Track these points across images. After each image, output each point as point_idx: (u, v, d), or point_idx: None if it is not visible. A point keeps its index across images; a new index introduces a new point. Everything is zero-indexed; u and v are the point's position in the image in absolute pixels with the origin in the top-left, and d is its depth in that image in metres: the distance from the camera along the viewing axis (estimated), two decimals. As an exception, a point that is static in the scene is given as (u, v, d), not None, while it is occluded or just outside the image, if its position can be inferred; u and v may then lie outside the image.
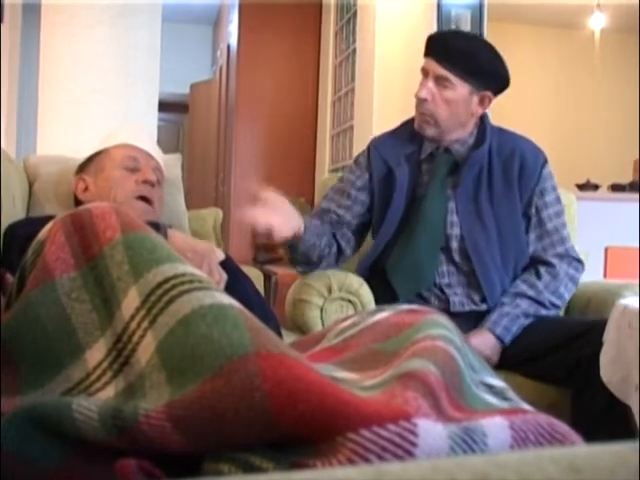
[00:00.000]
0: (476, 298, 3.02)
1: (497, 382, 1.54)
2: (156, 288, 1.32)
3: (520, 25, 10.54)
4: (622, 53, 10.71)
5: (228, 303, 1.25)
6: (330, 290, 2.94)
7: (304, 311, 2.94)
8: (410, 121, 3.19)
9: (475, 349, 2.70)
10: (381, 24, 6.67)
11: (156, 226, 2.22)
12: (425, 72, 3.06)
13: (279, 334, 2.31)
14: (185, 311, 1.24)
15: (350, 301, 2.94)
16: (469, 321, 2.97)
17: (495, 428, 1.16)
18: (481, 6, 5.77)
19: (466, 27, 5.70)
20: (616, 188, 5.79)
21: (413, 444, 1.03)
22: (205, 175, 10.49)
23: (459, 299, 3.02)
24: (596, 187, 5.90)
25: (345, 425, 1.04)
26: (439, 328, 1.49)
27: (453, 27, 5.67)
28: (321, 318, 2.91)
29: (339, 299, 2.94)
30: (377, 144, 3.20)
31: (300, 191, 7.93)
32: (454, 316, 2.73)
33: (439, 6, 5.71)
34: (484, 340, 2.91)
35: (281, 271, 6.50)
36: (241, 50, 8.84)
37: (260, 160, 8.76)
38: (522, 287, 3.03)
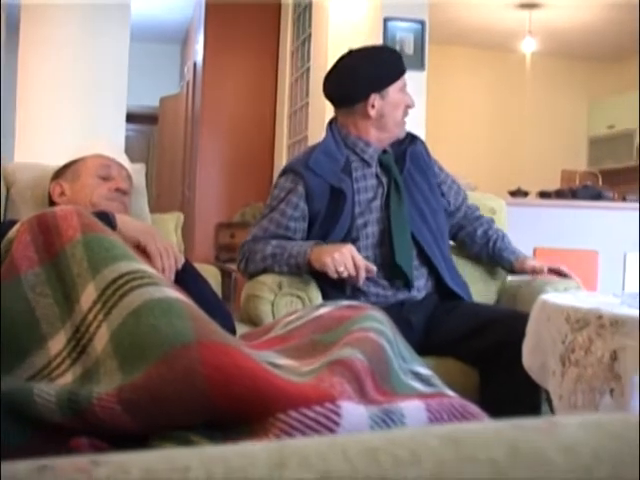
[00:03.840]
0: (432, 281, 3.07)
1: (424, 370, 1.55)
2: (111, 283, 1.33)
3: (459, 47, 10.60)
4: (550, 74, 10.81)
5: (175, 297, 1.26)
6: (280, 286, 2.94)
7: (257, 305, 2.93)
8: (333, 135, 3.09)
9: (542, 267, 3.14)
10: (333, 45, 6.69)
11: (106, 215, 2.24)
12: (404, 85, 3.07)
13: (233, 328, 2.31)
14: (136, 304, 1.25)
15: (299, 297, 2.94)
16: (430, 304, 3.01)
17: (413, 410, 1.18)
18: (423, 30, 5.79)
19: (409, 49, 5.72)
20: (544, 195, 5.84)
21: (336, 423, 1.04)
22: (173, 181, 10.47)
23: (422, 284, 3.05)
24: (526, 194, 5.94)
25: (275, 406, 1.05)
26: (373, 322, 1.51)
27: (397, 48, 5.68)
28: (272, 312, 2.90)
29: (289, 295, 2.94)
30: (308, 166, 3.01)
31: (259, 196, 7.92)
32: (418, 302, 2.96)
33: (385, 30, 5.73)
34: (526, 259, 3.28)
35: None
36: (206, 67, 8.84)
37: (223, 167, 8.77)
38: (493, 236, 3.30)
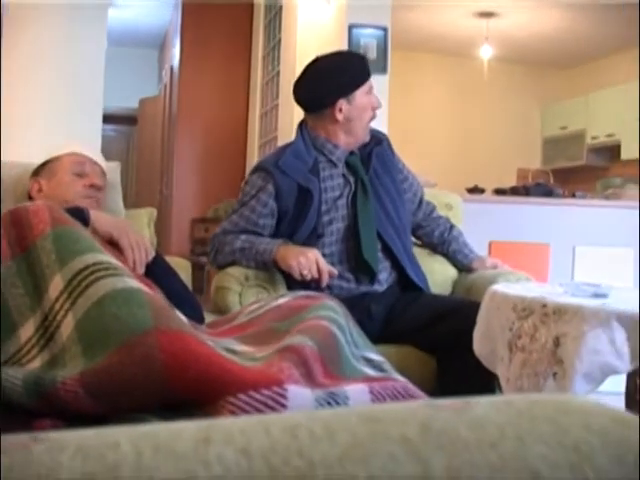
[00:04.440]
0: (394, 274, 3.08)
1: (376, 357, 1.56)
2: (77, 274, 1.33)
3: (421, 53, 10.63)
4: (506, 79, 10.88)
5: (136, 287, 1.26)
6: (247, 278, 2.94)
7: (225, 296, 2.93)
8: (302, 136, 3.08)
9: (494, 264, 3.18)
10: (301, 50, 6.70)
11: (80, 210, 2.23)
12: (370, 88, 3.05)
13: (201, 317, 2.31)
14: (100, 294, 1.26)
15: (264, 288, 2.94)
16: (391, 295, 3.02)
17: (357, 392, 1.18)
18: (385, 36, 5.79)
19: (373, 54, 5.72)
20: (499, 192, 5.86)
21: (283, 406, 1.05)
22: (151, 179, 10.44)
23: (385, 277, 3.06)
24: (482, 191, 5.96)
25: (226, 390, 1.06)
26: (327, 310, 1.52)
27: (361, 53, 5.69)
28: (239, 302, 2.90)
29: (255, 286, 2.94)
30: (278, 166, 3.00)
31: (231, 193, 7.90)
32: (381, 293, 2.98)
33: (350, 35, 5.72)
34: (483, 260, 3.35)
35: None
36: (182, 70, 8.84)
37: (198, 166, 8.77)
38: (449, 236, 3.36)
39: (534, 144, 11.37)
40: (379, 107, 3.10)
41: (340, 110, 2.98)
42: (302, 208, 2.96)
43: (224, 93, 8.83)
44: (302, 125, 3.12)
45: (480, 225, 5.19)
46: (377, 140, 3.16)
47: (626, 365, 2.05)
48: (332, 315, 1.48)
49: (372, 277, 2.99)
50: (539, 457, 0.50)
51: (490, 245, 5.23)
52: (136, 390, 1.10)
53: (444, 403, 0.55)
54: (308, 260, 2.77)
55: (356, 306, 2.87)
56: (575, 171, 10.76)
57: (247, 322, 1.67)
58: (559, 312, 2.14)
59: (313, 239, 2.95)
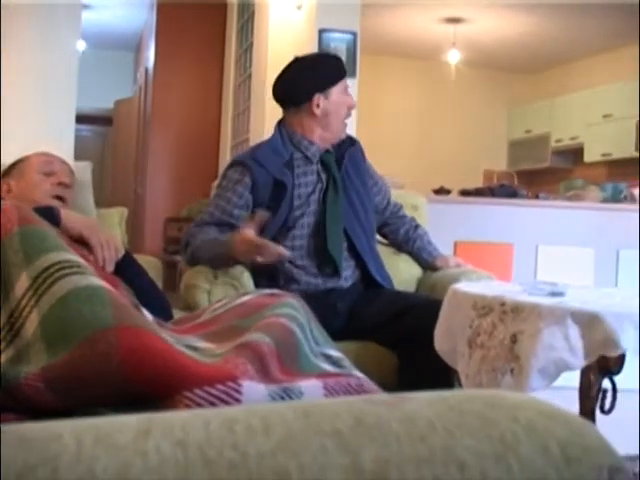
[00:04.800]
0: (358, 272, 3.10)
1: (335, 353, 1.57)
2: (43, 272, 1.33)
3: (390, 57, 10.66)
4: (473, 83, 10.93)
5: (100, 285, 1.27)
6: (216, 276, 2.94)
7: (194, 294, 2.93)
8: (280, 133, 3.13)
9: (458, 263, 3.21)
10: (272, 54, 6.70)
11: (51, 209, 2.23)
12: (346, 87, 3.12)
13: (170, 314, 2.30)
14: (63, 291, 1.26)
15: (233, 285, 2.94)
16: (355, 292, 3.04)
17: (311, 388, 1.19)
18: (355, 40, 5.81)
19: (342, 58, 5.73)
20: (464, 193, 5.87)
21: (238, 401, 1.06)
22: (126, 179, 10.41)
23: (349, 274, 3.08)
24: (448, 192, 5.98)
25: (183, 385, 1.07)
26: (287, 308, 1.52)
27: (331, 58, 5.71)
28: (208, 300, 2.89)
29: (223, 284, 2.93)
30: (255, 158, 3.05)
31: (204, 192, 7.88)
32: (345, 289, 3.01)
33: (320, 40, 5.73)
34: (447, 259, 3.38)
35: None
36: (157, 72, 8.82)
37: (171, 166, 8.76)
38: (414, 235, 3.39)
39: (500, 146, 11.45)
40: (354, 107, 3.16)
41: (317, 105, 3.04)
42: (276, 201, 2.99)
43: (198, 95, 8.83)
44: (280, 123, 3.18)
45: (446, 225, 5.22)
46: (351, 143, 3.21)
47: (580, 361, 2.07)
48: (292, 313, 1.49)
49: (337, 272, 3.01)
50: (466, 449, 0.51)
51: (455, 245, 5.26)
52: (96, 385, 1.10)
53: (379, 398, 0.56)
54: (247, 246, 2.73)
55: (322, 302, 2.90)
56: (540, 173, 10.85)
57: (211, 319, 1.68)
58: (516, 310, 2.17)
59: (284, 232, 2.98)
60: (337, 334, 2.82)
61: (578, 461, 0.54)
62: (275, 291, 1.75)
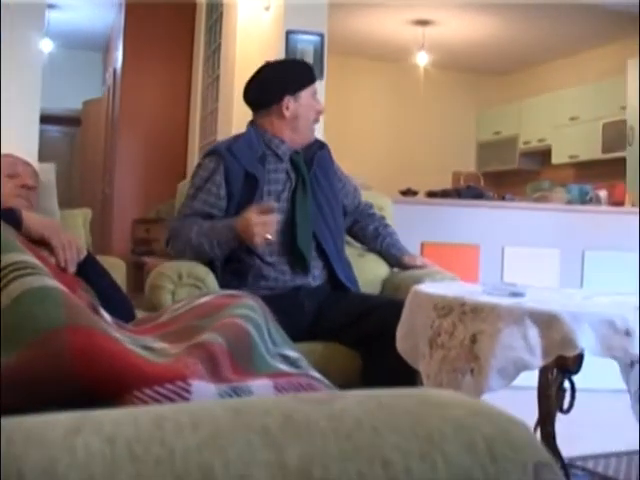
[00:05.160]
0: (325, 273, 3.13)
1: (293, 353, 1.58)
2: None
3: (359, 59, 10.67)
4: (442, 85, 10.96)
5: (53, 286, 1.27)
6: (180, 277, 2.94)
7: (158, 295, 2.94)
8: (253, 130, 3.18)
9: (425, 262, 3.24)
10: (240, 56, 6.70)
11: (12, 211, 2.23)
12: (315, 92, 3.20)
13: (131, 314, 2.31)
14: (17, 292, 1.27)
15: (197, 286, 2.95)
16: (322, 292, 3.07)
17: (261, 387, 1.21)
18: (322, 42, 5.81)
19: (309, 59, 5.73)
20: (431, 194, 5.91)
21: (186, 399, 1.07)
22: (94, 180, 10.36)
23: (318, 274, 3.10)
24: (415, 193, 6.00)
25: (133, 384, 1.08)
26: (244, 309, 1.54)
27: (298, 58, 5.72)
28: (173, 300, 2.90)
29: (188, 285, 2.94)
30: (230, 150, 3.10)
31: (173, 194, 7.86)
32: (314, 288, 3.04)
33: (287, 41, 5.74)
34: (414, 257, 3.44)
35: (151, 261, 6.47)
36: (125, 73, 8.78)
37: (139, 167, 8.73)
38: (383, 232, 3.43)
39: (469, 148, 11.50)
40: (322, 112, 3.24)
41: (287, 107, 3.12)
42: (248, 194, 3.03)
43: (166, 95, 8.80)
44: (251, 123, 3.24)
45: (412, 226, 5.24)
46: (320, 146, 3.26)
47: (538, 361, 2.09)
48: (249, 314, 1.51)
49: (306, 269, 3.03)
50: (392, 446, 0.52)
51: (422, 246, 5.29)
52: (48, 384, 1.11)
53: (311, 397, 0.57)
54: (258, 229, 2.86)
55: (291, 301, 2.93)
56: (508, 174, 10.91)
57: (170, 320, 1.69)
58: (476, 310, 2.19)
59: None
60: (303, 334, 2.85)
61: (504, 458, 0.55)
62: (234, 292, 1.76)
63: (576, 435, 3.75)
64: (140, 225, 8.32)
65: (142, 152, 8.74)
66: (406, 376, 2.58)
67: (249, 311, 1.53)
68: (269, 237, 2.88)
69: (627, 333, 2.06)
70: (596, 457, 3.37)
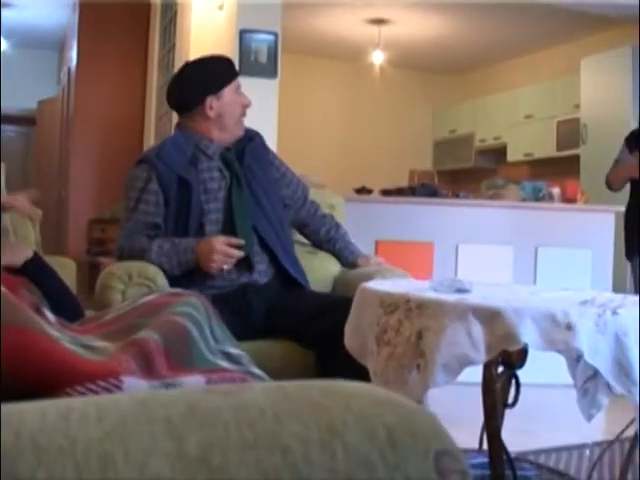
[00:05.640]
0: (272, 268, 3.13)
1: (235, 351, 1.60)
2: None
3: (315, 58, 10.69)
4: (398, 83, 11.00)
5: None
6: (130, 277, 2.94)
7: (108, 295, 2.92)
8: (181, 132, 3.17)
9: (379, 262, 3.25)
10: (194, 55, 6.65)
11: None
12: (238, 86, 3.17)
13: (81, 315, 2.30)
14: None
15: (148, 286, 2.94)
16: (271, 290, 3.07)
17: (193, 383, 1.22)
18: (276, 41, 5.83)
19: (263, 58, 5.75)
20: (385, 192, 5.93)
21: None
22: (49, 180, 10.29)
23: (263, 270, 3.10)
24: (370, 191, 6.02)
25: (65, 381, 1.09)
26: (186, 307, 1.55)
27: (252, 58, 5.73)
28: (123, 300, 2.90)
29: (138, 284, 2.93)
30: (159, 156, 3.07)
31: (128, 194, 7.87)
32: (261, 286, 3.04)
33: (241, 40, 5.74)
34: (368, 258, 3.43)
35: (106, 261, 6.46)
36: (79, 72, 8.73)
37: (95, 167, 8.69)
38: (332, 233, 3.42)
39: (426, 146, 11.58)
40: (249, 105, 3.20)
41: (211, 107, 3.09)
42: (184, 199, 3.01)
43: (121, 95, 8.77)
44: (178, 126, 3.22)
45: (367, 224, 5.28)
46: (250, 137, 3.24)
47: (482, 356, 2.12)
48: (190, 311, 1.52)
49: (249, 265, 3.03)
50: (293, 435, 0.54)
51: (377, 244, 5.32)
52: None
53: (221, 388, 0.59)
54: (219, 257, 2.88)
55: (238, 300, 2.93)
56: (464, 172, 11.01)
57: (114, 318, 1.69)
58: (421, 307, 2.21)
59: (197, 230, 3.01)
60: (255, 332, 2.86)
61: (404, 446, 0.57)
62: (178, 290, 1.77)
63: (530, 430, 3.81)
64: (96, 225, 8.29)
65: (97, 152, 8.70)
66: (360, 374, 2.60)
67: (190, 309, 1.54)
68: (226, 267, 2.90)
69: (568, 327, 2.10)
70: (547, 451, 3.41)
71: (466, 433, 2.91)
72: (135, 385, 1.11)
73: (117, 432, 0.51)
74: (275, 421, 0.55)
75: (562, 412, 4.14)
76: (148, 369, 1.21)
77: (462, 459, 0.61)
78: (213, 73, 3.14)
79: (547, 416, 4.23)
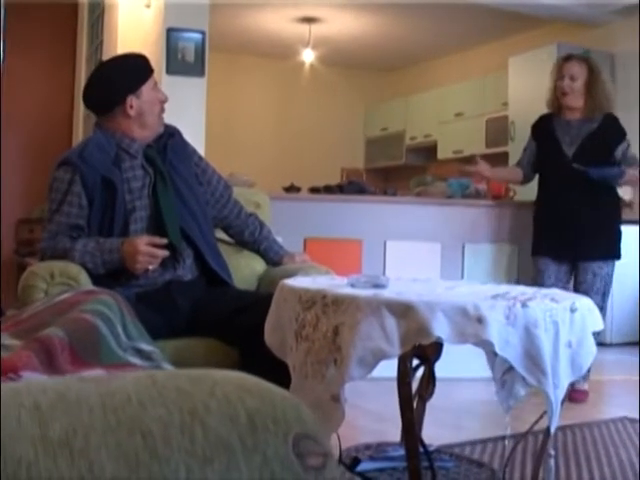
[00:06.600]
0: (197, 264, 3.15)
1: (148, 347, 1.63)
2: None
3: (246, 56, 10.70)
4: (330, 81, 11.04)
5: None
6: (52, 276, 2.93)
7: (30, 294, 2.91)
8: (102, 132, 3.14)
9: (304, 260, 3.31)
10: (122, 51, 6.67)
11: None
12: (155, 83, 3.18)
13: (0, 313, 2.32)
14: None
15: (70, 285, 2.94)
16: (196, 287, 3.10)
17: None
18: (203, 39, 5.84)
19: (190, 57, 5.77)
20: (314, 190, 5.98)
21: None
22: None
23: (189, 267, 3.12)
24: (298, 189, 6.07)
25: None
26: (98, 305, 1.58)
27: (179, 57, 5.74)
28: (44, 300, 2.90)
29: (60, 284, 2.93)
30: (82, 157, 3.04)
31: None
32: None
33: (168, 39, 5.75)
34: (293, 256, 3.48)
35: (34, 261, 6.39)
36: (6, 71, 8.61)
37: (22, 166, 8.60)
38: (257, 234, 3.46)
39: (358, 144, 11.66)
40: (166, 101, 3.21)
41: (131, 106, 3.08)
42: (108, 200, 3.01)
43: (49, 93, 8.69)
44: (97, 126, 3.20)
45: (295, 222, 5.32)
46: (170, 133, 3.25)
47: (396, 350, 2.18)
48: (100, 309, 1.55)
49: (174, 261, 3.05)
50: (155, 419, 0.58)
51: (305, 242, 5.36)
52: None
53: (94, 377, 0.63)
54: (143, 258, 2.87)
55: (162, 298, 2.94)
56: (395, 170, 11.11)
57: (29, 317, 1.71)
58: (337, 303, 2.26)
59: (123, 229, 3.01)
60: (179, 330, 2.89)
61: (265, 429, 0.61)
62: (93, 288, 1.80)
63: (457, 424, 3.89)
64: (24, 225, 8.21)
65: (25, 150, 8.62)
66: (284, 371, 2.64)
67: (102, 306, 1.57)
68: (151, 268, 2.91)
69: (479, 320, 2.16)
70: (462, 445, 3.49)
71: (394, 427, 2.98)
72: (34, 380, 1.14)
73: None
74: (139, 406, 0.59)
75: (492, 405, 4.23)
76: (50, 364, 1.24)
77: (324, 443, 0.66)
78: (131, 72, 3.13)
79: (476, 409, 4.31)
